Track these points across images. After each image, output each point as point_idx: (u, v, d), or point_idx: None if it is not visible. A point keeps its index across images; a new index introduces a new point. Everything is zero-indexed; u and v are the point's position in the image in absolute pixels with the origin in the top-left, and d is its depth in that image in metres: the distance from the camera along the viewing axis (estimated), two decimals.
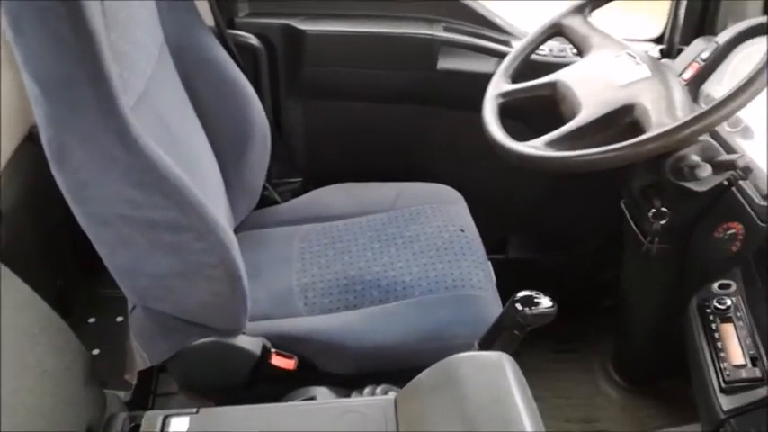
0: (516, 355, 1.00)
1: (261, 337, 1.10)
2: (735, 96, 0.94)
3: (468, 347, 1.07)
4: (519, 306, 0.96)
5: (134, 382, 1.22)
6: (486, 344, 1.03)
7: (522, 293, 0.97)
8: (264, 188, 1.39)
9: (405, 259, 1.26)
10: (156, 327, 1.05)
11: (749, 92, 0.93)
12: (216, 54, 1.24)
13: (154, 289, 1.00)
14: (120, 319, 1.59)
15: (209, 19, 1.31)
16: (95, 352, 1.52)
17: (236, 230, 1.34)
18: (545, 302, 0.96)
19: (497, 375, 0.79)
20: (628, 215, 1.32)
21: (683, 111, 1.04)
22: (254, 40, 1.45)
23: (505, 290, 1.10)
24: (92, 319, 1.66)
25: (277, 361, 1.09)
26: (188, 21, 1.20)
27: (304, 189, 1.50)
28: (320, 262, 1.26)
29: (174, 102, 1.14)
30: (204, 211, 0.91)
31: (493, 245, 1.54)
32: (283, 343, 1.11)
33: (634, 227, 1.29)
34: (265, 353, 1.08)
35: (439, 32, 1.50)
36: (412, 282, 1.21)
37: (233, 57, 1.31)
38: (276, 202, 1.46)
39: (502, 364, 0.80)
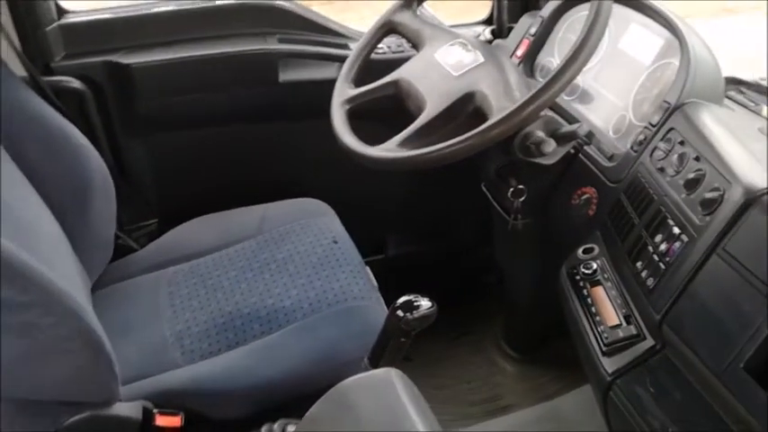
0: (408, 359, 1.00)
1: (140, 401, 1.02)
2: (564, 70, 0.96)
3: (361, 361, 1.04)
4: (400, 313, 0.95)
5: None
6: (375, 358, 1.01)
7: (400, 300, 0.96)
8: (117, 237, 1.30)
9: (282, 283, 1.21)
10: (18, 415, 0.95)
11: (577, 63, 0.96)
12: (34, 106, 1.14)
13: (8, 376, 0.90)
14: None
15: (18, 69, 1.20)
16: None
17: (95, 288, 1.24)
18: (425, 304, 0.95)
19: (389, 394, 0.77)
20: (490, 196, 1.35)
21: (519, 91, 1.07)
22: (76, 83, 1.35)
23: (390, 290, 1.09)
24: None
25: (162, 421, 1.01)
26: None
27: (161, 230, 1.41)
28: (192, 305, 1.19)
29: None
30: (46, 282, 0.83)
31: (371, 247, 1.53)
32: (166, 400, 1.04)
33: (497, 206, 1.31)
34: (148, 415, 1.01)
35: (275, 45, 1.46)
36: (293, 305, 1.17)
37: (54, 105, 1.20)
38: (133, 250, 1.37)
39: (391, 380, 0.79)
